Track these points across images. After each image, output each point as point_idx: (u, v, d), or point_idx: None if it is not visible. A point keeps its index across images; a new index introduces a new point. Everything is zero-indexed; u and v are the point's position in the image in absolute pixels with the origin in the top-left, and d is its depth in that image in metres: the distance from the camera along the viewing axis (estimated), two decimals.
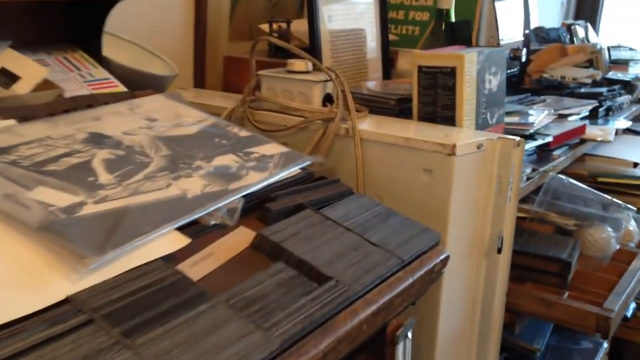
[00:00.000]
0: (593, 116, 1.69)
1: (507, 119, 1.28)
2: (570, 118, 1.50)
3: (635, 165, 1.46)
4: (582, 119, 1.59)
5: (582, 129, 1.43)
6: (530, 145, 1.24)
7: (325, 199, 0.83)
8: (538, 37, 2.29)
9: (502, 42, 1.64)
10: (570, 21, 2.56)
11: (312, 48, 1.23)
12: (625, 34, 3.64)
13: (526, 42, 1.86)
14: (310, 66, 1.08)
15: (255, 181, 0.79)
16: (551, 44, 2.08)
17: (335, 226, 0.77)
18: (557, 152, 1.35)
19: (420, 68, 1.10)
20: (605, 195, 1.28)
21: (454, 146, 0.93)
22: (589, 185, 1.42)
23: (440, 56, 1.09)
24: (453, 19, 1.31)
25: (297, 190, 0.83)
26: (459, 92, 1.07)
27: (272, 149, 0.89)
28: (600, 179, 1.47)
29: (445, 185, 0.95)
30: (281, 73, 1.08)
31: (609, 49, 2.10)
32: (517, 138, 1.00)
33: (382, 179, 1.01)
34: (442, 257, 0.80)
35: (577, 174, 1.51)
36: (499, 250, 1.03)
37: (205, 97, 1.23)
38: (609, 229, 1.23)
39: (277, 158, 0.87)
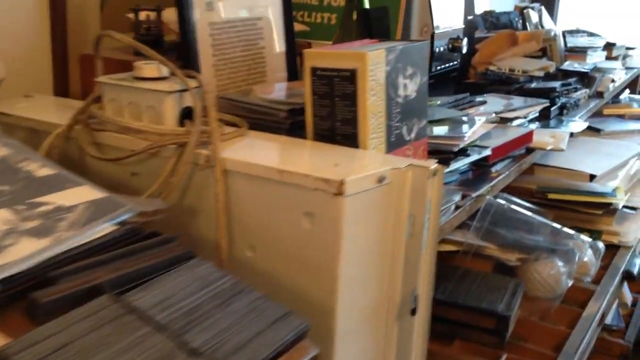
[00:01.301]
0: (544, 116, 1.46)
1: (437, 130, 1.03)
2: (516, 122, 1.27)
3: (591, 178, 1.23)
4: (531, 120, 1.36)
5: (528, 136, 1.19)
6: (460, 164, 0.99)
7: (142, 273, 0.57)
8: (487, 22, 2.05)
9: (438, 31, 1.40)
10: (524, 4, 2.32)
11: (184, 44, 0.96)
12: (586, 15, 3.44)
13: (469, 29, 1.62)
14: (165, 70, 0.82)
15: (23, 256, 0.53)
16: (500, 31, 1.84)
17: (139, 324, 0.51)
18: (498, 167, 1.12)
19: (313, 71, 0.85)
20: (554, 224, 1.05)
21: (341, 183, 0.68)
22: (538, 203, 1.19)
23: (336, 55, 0.83)
24: (367, 5, 1.05)
25: (100, 262, 0.57)
26: (361, 102, 0.82)
27: (79, 195, 0.63)
28: (551, 196, 1.24)
29: (332, 235, 0.70)
30: (126, 80, 0.81)
31: (564, 35, 1.87)
32: (433, 165, 0.76)
33: (254, 224, 0.75)
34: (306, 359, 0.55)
35: (524, 188, 1.28)
36: (414, 312, 0.79)
37: (42, 110, 0.95)
38: (560, 263, 1.01)
39: (80, 211, 0.60)
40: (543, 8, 2.07)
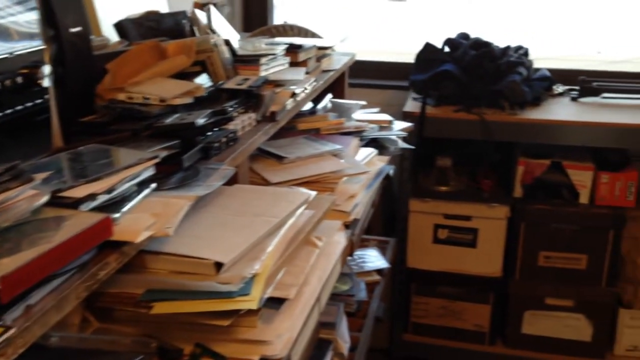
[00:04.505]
0: (176, 165, 1.05)
1: None
2: (93, 203, 0.82)
3: (218, 267, 0.84)
4: (145, 182, 0.93)
5: (102, 227, 0.76)
6: None
7: None
8: (142, 28, 1.60)
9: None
10: (205, 0, 1.91)
11: None
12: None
13: (72, 46, 1.14)
14: None
15: None
16: (141, 42, 1.40)
17: None
18: (33, 300, 0.66)
19: None
20: None
21: None
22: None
23: None
24: None
25: None
26: None
27: None
28: (156, 309, 0.82)
29: None
30: None
31: (227, 42, 1.49)
32: None
33: None
34: None
35: (127, 296, 0.85)
36: None
37: None
38: None
39: None
40: (213, 7, 1.67)
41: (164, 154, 0.99)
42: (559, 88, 2.43)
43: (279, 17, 2.88)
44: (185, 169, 1.06)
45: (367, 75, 2.69)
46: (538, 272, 2.32)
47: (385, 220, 2.56)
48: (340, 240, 1.19)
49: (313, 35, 2.25)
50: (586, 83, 2.34)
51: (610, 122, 2.14)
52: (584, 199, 2.25)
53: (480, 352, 2.44)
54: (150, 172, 0.94)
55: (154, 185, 0.94)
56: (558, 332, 2.36)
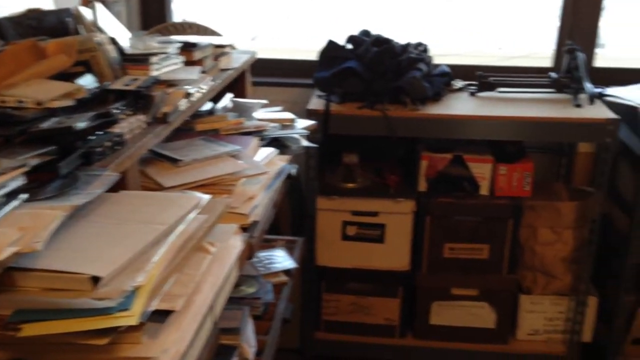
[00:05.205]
0: (54, 172, 0.98)
1: None
2: None
3: (96, 282, 0.78)
4: (12, 194, 0.85)
5: None
6: None
7: None
8: (22, 27, 1.49)
9: None
10: None
11: None
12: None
13: None
14: None
15: None
16: (17, 42, 1.31)
17: None
18: None
19: None
20: None
21: None
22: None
23: None
24: None
25: None
26: None
27: None
28: (25, 332, 0.75)
29: None
30: None
31: (114, 41, 1.41)
32: None
33: None
34: None
35: None
36: None
37: None
38: None
39: None
40: (100, 4, 1.58)
41: (35, 162, 0.91)
42: (458, 83, 2.49)
43: (180, 16, 2.80)
44: (63, 177, 0.99)
45: (272, 74, 2.66)
46: (443, 263, 2.38)
47: (294, 219, 2.54)
48: (236, 244, 1.15)
49: (213, 33, 2.19)
50: (483, 78, 2.41)
51: (506, 115, 2.21)
52: (484, 190, 2.32)
53: (391, 345, 2.47)
54: (19, 182, 0.87)
55: (24, 196, 0.87)
56: (464, 320, 2.42)
